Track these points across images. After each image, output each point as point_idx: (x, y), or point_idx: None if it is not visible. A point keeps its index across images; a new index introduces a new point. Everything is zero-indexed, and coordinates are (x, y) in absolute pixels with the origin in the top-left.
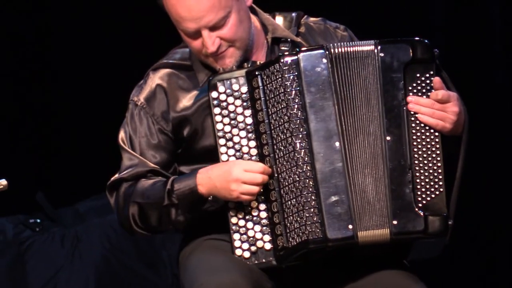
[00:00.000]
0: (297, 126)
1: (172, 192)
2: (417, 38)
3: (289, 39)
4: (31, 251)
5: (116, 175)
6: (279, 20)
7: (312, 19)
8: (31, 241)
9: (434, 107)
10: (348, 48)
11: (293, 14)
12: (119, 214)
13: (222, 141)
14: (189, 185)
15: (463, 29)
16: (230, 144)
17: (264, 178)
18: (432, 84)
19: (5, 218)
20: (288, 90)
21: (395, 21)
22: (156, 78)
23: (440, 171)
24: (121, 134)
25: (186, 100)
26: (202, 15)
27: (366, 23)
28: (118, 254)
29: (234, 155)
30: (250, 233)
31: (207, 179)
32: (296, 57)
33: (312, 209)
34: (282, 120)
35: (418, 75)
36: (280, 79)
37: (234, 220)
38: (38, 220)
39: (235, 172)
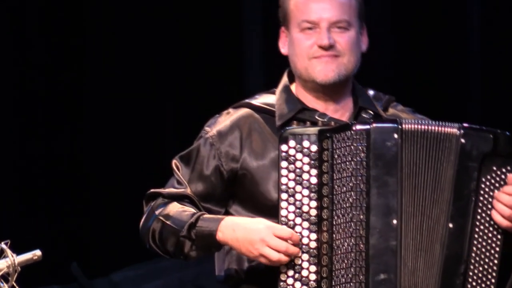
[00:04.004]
0: (358, 197)
1: (193, 226)
2: (501, 131)
3: (373, 112)
4: None
5: (158, 189)
6: (370, 95)
7: (401, 107)
8: None
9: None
10: (425, 127)
11: (385, 96)
12: (143, 224)
13: (284, 196)
14: (210, 227)
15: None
16: (291, 200)
17: (288, 248)
18: (506, 180)
19: None
20: (355, 159)
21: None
22: (235, 117)
23: (495, 268)
24: (178, 159)
25: (258, 148)
26: (330, 7)
27: None
28: None
29: (294, 211)
30: None
31: (230, 230)
32: (368, 127)
33: (359, 284)
34: (344, 188)
35: (494, 168)
36: (349, 146)
37: (283, 277)
38: None
39: (263, 233)
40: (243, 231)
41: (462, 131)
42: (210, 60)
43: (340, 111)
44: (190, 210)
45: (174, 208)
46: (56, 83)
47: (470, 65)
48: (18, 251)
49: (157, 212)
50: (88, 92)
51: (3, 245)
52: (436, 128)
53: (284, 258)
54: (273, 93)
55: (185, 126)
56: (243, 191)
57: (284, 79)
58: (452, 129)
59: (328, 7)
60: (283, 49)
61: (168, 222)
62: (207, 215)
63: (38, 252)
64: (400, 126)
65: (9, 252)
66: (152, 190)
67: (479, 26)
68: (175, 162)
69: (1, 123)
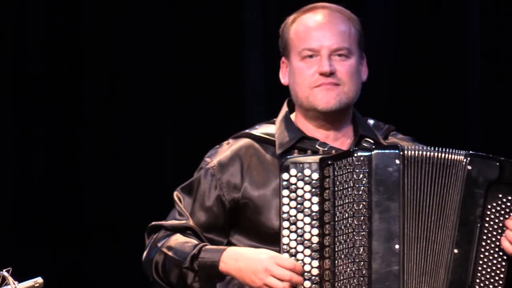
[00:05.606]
0: (360, 223)
1: (196, 258)
2: (508, 159)
3: (373, 140)
4: None
5: (159, 222)
6: (370, 124)
7: (400, 136)
8: None
9: None
10: (428, 153)
11: (385, 125)
12: (146, 256)
13: (285, 224)
14: (213, 258)
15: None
16: (293, 228)
17: (292, 277)
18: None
19: None
20: (357, 185)
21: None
22: (236, 147)
23: None
24: (179, 190)
25: (259, 178)
26: (330, 34)
27: None
28: None
29: (295, 239)
30: None
31: (233, 260)
32: (369, 153)
33: None
34: (346, 214)
35: (500, 195)
36: (351, 173)
37: None
38: None
39: (266, 262)
40: (246, 261)
41: (468, 159)
42: (211, 91)
43: (341, 139)
44: (192, 241)
45: (177, 239)
46: (55, 111)
47: (470, 80)
48: (19, 278)
49: (159, 245)
50: (89, 127)
51: (4, 273)
52: (442, 155)
53: None
54: (273, 123)
55: (186, 159)
56: (244, 220)
57: (284, 109)
58: (459, 156)
59: (329, 35)
60: (284, 79)
61: (170, 254)
62: (209, 246)
63: (39, 280)
64: (401, 152)
65: (10, 279)
66: (153, 222)
67: (479, 37)
68: (176, 193)
69: (2, 152)
